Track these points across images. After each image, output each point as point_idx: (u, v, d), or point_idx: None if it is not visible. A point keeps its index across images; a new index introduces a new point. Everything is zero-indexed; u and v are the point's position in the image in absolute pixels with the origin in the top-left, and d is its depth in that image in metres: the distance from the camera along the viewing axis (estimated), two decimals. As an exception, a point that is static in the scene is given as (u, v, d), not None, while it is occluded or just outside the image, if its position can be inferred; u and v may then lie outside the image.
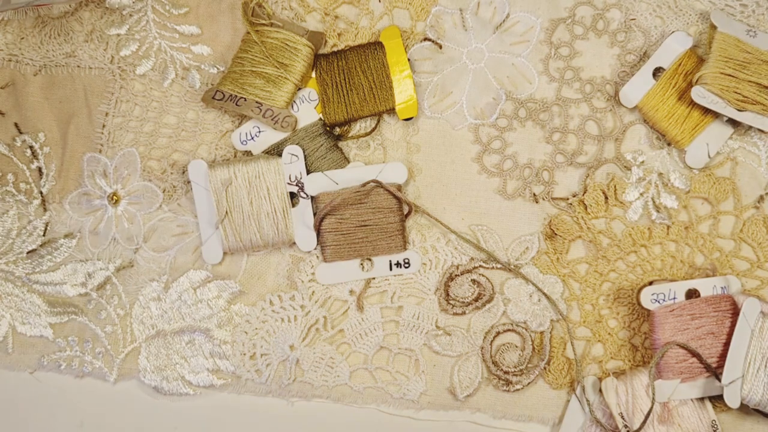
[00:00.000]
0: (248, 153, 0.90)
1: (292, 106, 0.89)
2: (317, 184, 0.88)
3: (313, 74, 0.90)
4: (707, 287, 0.87)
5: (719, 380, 0.83)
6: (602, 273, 0.90)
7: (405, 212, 0.89)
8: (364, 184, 0.87)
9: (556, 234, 0.91)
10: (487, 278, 0.90)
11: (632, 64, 0.92)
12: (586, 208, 0.91)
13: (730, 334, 0.84)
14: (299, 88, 0.89)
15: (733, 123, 0.90)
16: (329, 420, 0.90)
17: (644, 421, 0.83)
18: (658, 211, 0.90)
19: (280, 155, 0.88)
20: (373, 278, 0.90)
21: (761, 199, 0.90)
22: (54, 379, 0.91)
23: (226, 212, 0.86)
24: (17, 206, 0.92)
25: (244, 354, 0.90)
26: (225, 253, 0.89)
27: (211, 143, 0.92)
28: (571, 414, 0.88)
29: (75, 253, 0.91)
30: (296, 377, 0.90)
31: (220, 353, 0.90)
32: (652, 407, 0.84)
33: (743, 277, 0.89)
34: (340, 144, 0.91)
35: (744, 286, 0.89)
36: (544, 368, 0.89)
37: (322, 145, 0.88)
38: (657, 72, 0.90)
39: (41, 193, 0.92)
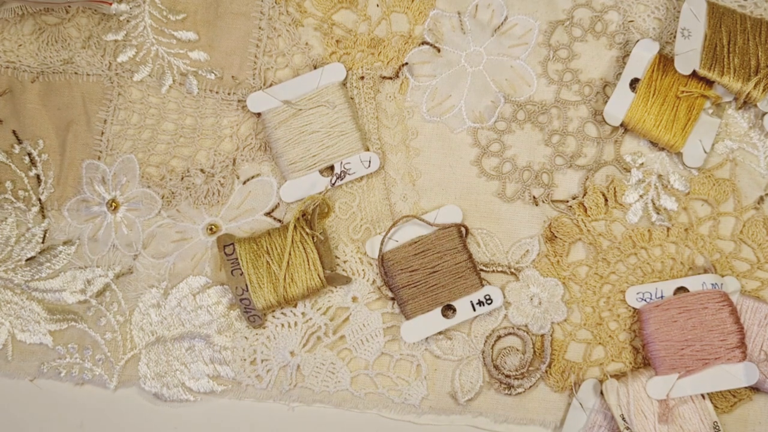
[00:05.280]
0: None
1: None
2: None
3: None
4: (696, 284, 0.87)
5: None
6: (602, 275, 0.90)
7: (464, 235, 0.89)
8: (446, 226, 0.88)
9: (556, 237, 0.91)
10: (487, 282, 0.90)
11: (631, 66, 0.92)
12: (585, 211, 0.91)
13: (725, 325, 0.84)
14: (281, 306, 0.89)
15: (719, 113, 0.90)
16: (330, 425, 0.90)
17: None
18: (658, 213, 0.90)
19: None
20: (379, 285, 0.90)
21: (761, 200, 0.90)
22: (54, 387, 0.91)
23: None
24: (16, 213, 0.92)
25: (245, 360, 0.90)
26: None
27: (210, 149, 0.92)
28: (573, 417, 0.88)
29: (74, 260, 0.91)
30: (297, 383, 0.90)
31: (220, 359, 0.90)
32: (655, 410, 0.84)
33: (743, 279, 0.89)
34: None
35: (744, 287, 0.89)
36: (545, 371, 0.89)
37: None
38: (634, 83, 0.89)
39: (40, 200, 0.92)
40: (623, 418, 0.85)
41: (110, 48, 0.92)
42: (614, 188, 0.90)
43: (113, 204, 0.91)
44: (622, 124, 0.90)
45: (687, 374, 0.85)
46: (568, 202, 0.91)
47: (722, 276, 0.88)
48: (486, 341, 0.90)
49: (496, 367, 0.89)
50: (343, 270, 0.91)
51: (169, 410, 0.91)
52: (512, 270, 0.90)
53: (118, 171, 0.91)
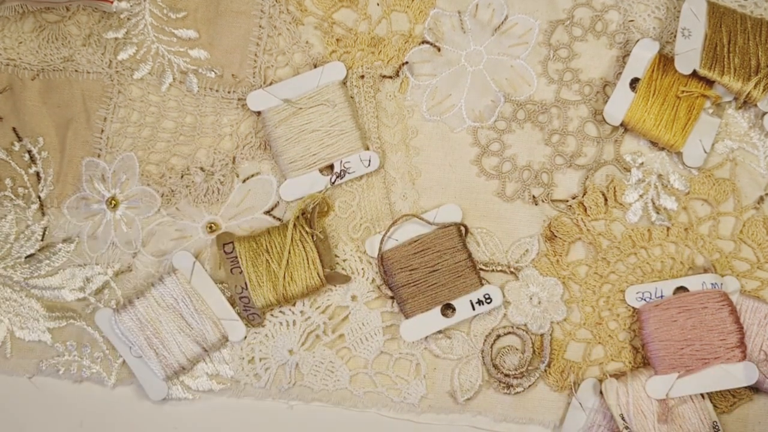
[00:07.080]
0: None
1: None
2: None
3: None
4: (696, 284, 0.87)
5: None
6: (602, 275, 0.90)
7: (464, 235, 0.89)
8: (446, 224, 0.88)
9: (555, 236, 0.91)
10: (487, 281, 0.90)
11: (631, 66, 0.92)
12: (585, 210, 0.91)
13: (724, 325, 0.84)
14: (280, 305, 0.89)
15: (719, 113, 0.90)
16: (329, 424, 0.90)
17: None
18: (657, 213, 0.90)
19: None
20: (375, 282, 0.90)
21: (761, 199, 0.90)
22: (52, 384, 0.91)
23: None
24: (15, 211, 0.92)
25: (243, 358, 0.90)
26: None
27: (210, 147, 0.92)
28: (572, 416, 0.88)
29: (73, 258, 0.91)
30: (296, 381, 0.90)
31: (219, 358, 0.90)
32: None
33: (743, 278, 0.89)
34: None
35: (744, 287, 0.89)
36: (545, 371, 0.89)
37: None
38: (634, 83, 0.89)
39: (39, 197, 0.92)
40: (623, 418, 0.85)
41: (110, 46, 0.92)
42: (614, 188, 0.90)
43: (113, 202, 0.91)
44: (622, 124, 0.90)
45: (686, 374, 0.85)
46: (567, 201, 0.91)
47: (722, 276, 0.88)
48: (485, 340, 0.89)
49: (495, 366, 0.89)
50: (343, 269, 0.91)
51: (168, 408, 0.91)
52: (512, 269, 0.90)
53: (117, 169, 0.91)
